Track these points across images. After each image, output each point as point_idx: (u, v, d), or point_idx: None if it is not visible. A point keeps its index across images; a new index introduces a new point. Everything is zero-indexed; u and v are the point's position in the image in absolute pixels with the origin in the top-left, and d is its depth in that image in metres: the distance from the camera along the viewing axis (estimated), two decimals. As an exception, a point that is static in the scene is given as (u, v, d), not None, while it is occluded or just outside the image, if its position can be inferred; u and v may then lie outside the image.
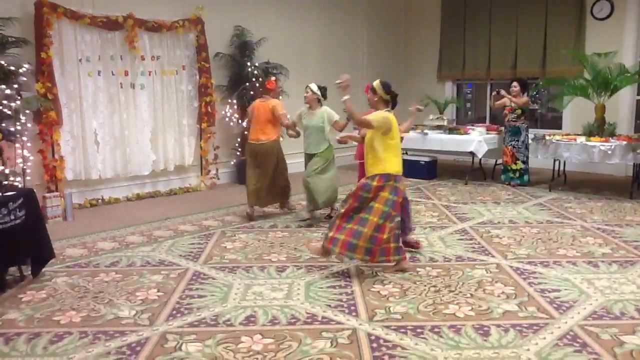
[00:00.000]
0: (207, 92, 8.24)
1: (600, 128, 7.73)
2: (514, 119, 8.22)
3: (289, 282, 4.42)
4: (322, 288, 4.28)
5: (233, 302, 4.02)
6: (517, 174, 8.35)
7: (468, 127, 9.14)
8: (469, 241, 5.52)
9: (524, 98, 8.18)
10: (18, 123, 6.11)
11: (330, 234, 4.47)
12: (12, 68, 6.03)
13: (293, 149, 8.68)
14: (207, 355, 3.22)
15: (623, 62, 8.07)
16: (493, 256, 5.03)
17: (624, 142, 7.26)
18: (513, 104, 8.13)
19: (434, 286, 4.29)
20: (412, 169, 9.14)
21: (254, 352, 3.25)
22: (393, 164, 4.52)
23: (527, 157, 8.30)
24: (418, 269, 4.67)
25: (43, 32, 6.57)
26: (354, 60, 10.80)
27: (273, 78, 6.72)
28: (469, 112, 11.98)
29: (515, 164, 8.31)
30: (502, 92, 8.25)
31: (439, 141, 8.89)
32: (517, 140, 8.23)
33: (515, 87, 8.17)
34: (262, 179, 6.32)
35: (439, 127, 9.29)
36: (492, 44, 10.41)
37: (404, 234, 5.00)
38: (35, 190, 4.84)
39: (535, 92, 8.60)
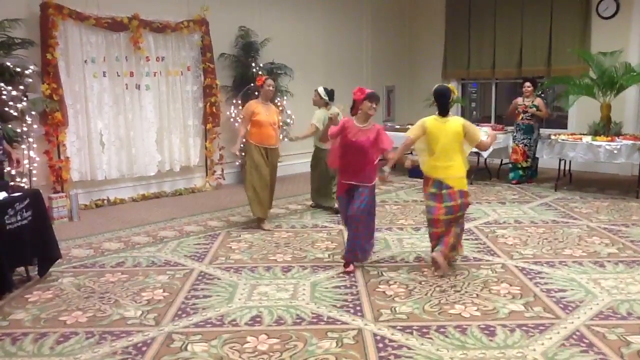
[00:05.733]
0: (212, 93, 8.25)
1: (606, 127, 7.70)
2: (528, 118, 8.28)
3: (295, 282, 4.43)
4: (327, 288, 4.28)
5: (238, 302, 4.03)
6: (526, 172, 8.42)
7: (473, 126, 9.12)
8: (474, 241, 5.51)
9: (545, 110, 8.32)
10: (24, 124, 6.15)
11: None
12: (18, 69, 6.06)
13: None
14: (213, 356, 3.23)
15: (629, 61, 8.02)
16: (499, 256, 5.02)
17: (630, 142, 7.23)
18: (530, 110, 8.20)
19: (440, 286, 4.28)
20: (417, 169, 9.07)
21: (260, 352, 3.25)
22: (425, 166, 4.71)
23: (535, 154, 8.33)
24: (423, 269, 4.67)
25: (49, 33, 6.59)
26: (359, 60, 10.79)
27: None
28: (474, 112, 11.95)
29: (526, 161, 8.35)
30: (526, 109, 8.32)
31: (444, 141, 8.85)
32: (530, 139, 8.27)
33: (528, 87, 8.26)
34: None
35: (443, 127, 9.25)
36: (497, 42, 10.38)
37: None
38: (41, 191, 4.86)
39: (540, 92, 8.59)
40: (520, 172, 8.44)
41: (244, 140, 6.17)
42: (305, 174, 8.93)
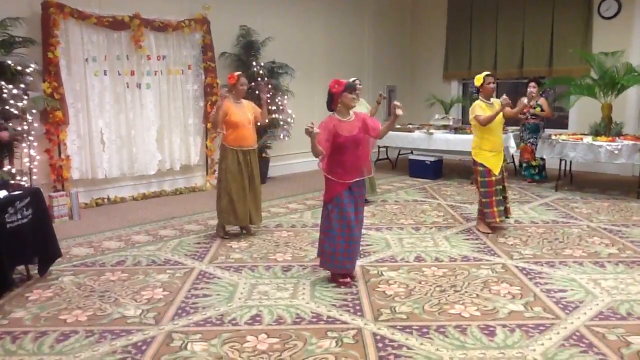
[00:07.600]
0: (212, 92, 8.26)
1: (606, 128, 7.69)
2: (533, 117, 8.34)
3: (295, 281, 4.43)
4: (327, 288, 4.28)
5: (238, 301, 4.03)
6: (537, 170, 8.49)
7: (474, 126, 9.13)
8: (474, 241, 5.51)
9: (548, 109, 8.35)
10: (25, 122, 6.15)
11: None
12: (19, 68, 6.06)
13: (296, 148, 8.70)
14: (213, 355, 3.23)
15: (630, 61, 8.01)
16: (499, 256, 5.01)
17: (631, 142, 7.22)
18: (533, 110, 8.26)
19: (440, 286, 4.28)
20: (417, 168, 9.16)
21: (260, 351, 3.25)
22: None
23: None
24: (424, 269, 4.67)
25: (50, 32, 6.60)
26: (360, 59, 10.79)
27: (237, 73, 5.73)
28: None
29: (535, 160, 8.41)
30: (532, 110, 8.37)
31: (445, 141, 8.87)
32: (536, 138, 8.31)
33: (534, 87, 8.29)
34: None
35: (444, 127, 9.27)
36: (498, 42, 10.38)
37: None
38: (41, 189, 4.86)
39: (541, 92, 8.61)
40: (532, 170, 8.52)
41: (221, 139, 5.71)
42: (305, 173, 8.95)
